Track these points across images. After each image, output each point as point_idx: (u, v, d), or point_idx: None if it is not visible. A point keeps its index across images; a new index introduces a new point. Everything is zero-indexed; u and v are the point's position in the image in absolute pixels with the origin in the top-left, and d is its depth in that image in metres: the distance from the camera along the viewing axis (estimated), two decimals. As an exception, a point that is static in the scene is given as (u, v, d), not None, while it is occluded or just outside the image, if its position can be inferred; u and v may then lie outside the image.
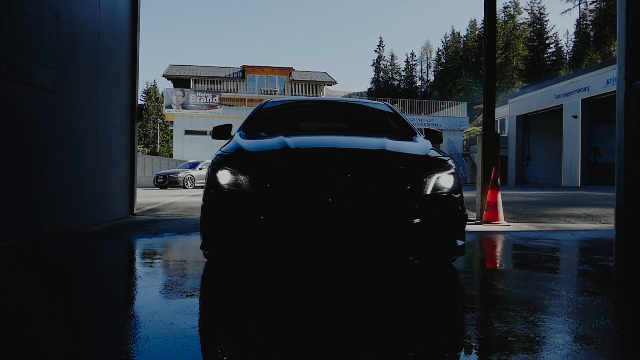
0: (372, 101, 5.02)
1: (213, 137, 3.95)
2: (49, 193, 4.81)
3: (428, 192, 2.84)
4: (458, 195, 3.00)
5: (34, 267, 3.43)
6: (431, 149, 3.31)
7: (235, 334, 1.93)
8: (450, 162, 3.12)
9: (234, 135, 3.75)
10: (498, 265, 3.82)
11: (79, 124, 5.50)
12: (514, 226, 6.39)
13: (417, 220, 2.74)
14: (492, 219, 6.58)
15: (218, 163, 3.02)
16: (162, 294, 2.66)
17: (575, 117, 27.40)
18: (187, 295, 2.58)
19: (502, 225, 6.43)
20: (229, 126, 4.01)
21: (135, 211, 7.36)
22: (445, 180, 2.95)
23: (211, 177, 3.02)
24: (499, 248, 4.69)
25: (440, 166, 3.00)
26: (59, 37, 4.93)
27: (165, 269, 3.39)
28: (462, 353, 1.80)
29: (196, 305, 2.42)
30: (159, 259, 3.85)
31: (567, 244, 4.92)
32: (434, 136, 3.92)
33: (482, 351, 1.82)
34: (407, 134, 4.01)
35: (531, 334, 1.98)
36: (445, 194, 2.91)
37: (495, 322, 2.14)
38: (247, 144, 3.24)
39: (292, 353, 1.74)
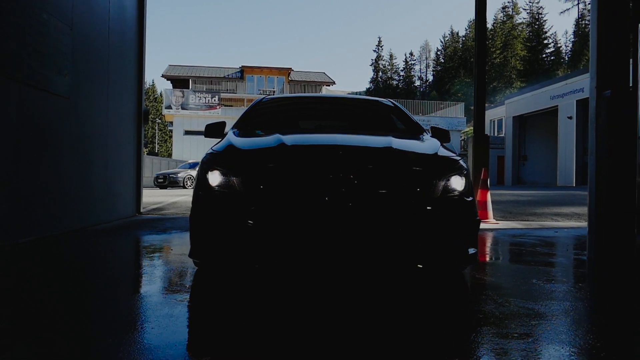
0: (375, 97, 4.75)
1: (205, 136, 3.73)
2: (63, 193, 5.14)
3: (438, 195, 2.61)
4: (470, 198, 2.75)
5: (58, 261, 3.76)
6: (440, 147, 3.08)
7: (239, 317, 2.29)
8: (462, 162, 2.88)
9: (227, 134, 3.52)
10: (482, 259, 4.15)
11: (90, 128, 5.84)
12: (502, 224, 6.74)
13: (426, 226, 2.54)
14: (482, 217, 6.91)
15: (208, 162, 2.78)
16: (179, 281, 3.00)
17: (570, 117, 27.83)
18: (197, 283, 2.93)
19: (491, 223, 6.78)
20: (223, 124, 3.77)
21: (141, 210, 7.70)
22: (456, 182, 2.71)
23: (201, 177, 2.77)
24: (485, 244, 5.02)
25: (452, 167, 2.77)
26: (73, 45, 5.27)
27: (179, 262, 3.71)
28: (440, 325, 2.14)
29: (206, 291, 2.78)
30: (171, 253, 4.17)
31: (549, 240, 5.26)
32: (442, 135, 3.64)
33: (454, 323, 2.16)
34: (413, 132, 3.74)
35: (496, 312, 2.32)
36: (456, 197, 2.67)
37: (469, 303, 2.49)
38: (240, 142, 2.99)
39: (283, 330, 2.08)
